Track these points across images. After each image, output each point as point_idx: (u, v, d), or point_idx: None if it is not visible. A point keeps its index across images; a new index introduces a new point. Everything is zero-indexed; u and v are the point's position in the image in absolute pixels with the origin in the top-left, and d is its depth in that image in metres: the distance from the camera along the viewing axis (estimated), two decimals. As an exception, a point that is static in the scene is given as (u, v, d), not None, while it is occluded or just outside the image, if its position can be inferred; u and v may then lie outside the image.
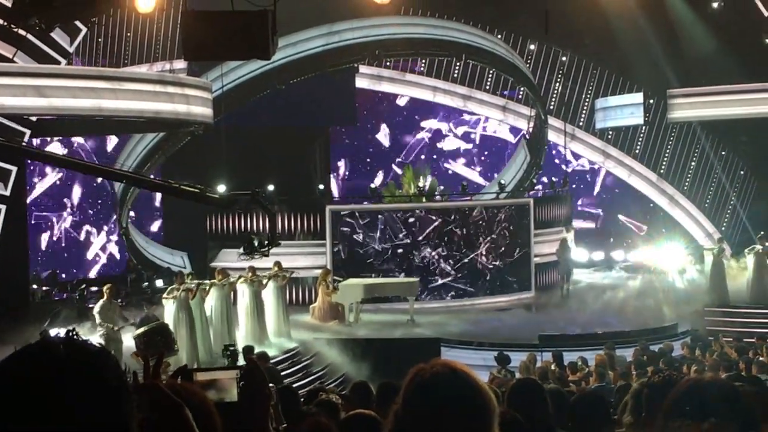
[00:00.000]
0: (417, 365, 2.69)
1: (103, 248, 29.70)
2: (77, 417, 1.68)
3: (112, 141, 29.13)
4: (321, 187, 27.37)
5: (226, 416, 2.34)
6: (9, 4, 16.17)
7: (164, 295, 18.63)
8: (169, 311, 18.20)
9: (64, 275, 27.26)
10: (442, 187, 28.98)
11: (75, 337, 1.81)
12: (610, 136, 32.46)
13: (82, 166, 19.94)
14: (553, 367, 15.87)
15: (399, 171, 31.60)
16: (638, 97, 30.67)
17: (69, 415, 1.67)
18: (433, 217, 24.86)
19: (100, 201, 29.67)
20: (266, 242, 16.40)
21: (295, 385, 14.88)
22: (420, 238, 24.69)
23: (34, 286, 24.30)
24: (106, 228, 29.58)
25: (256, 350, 16.42)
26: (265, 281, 20.25)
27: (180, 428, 2.05)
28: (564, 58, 31.91)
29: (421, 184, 26.27)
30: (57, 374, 1.70)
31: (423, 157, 33.97)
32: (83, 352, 1.76)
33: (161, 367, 2.37)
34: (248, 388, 2.63)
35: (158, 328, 16.74)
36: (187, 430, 2.06)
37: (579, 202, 33.46)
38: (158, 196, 29.46)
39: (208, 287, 19.08)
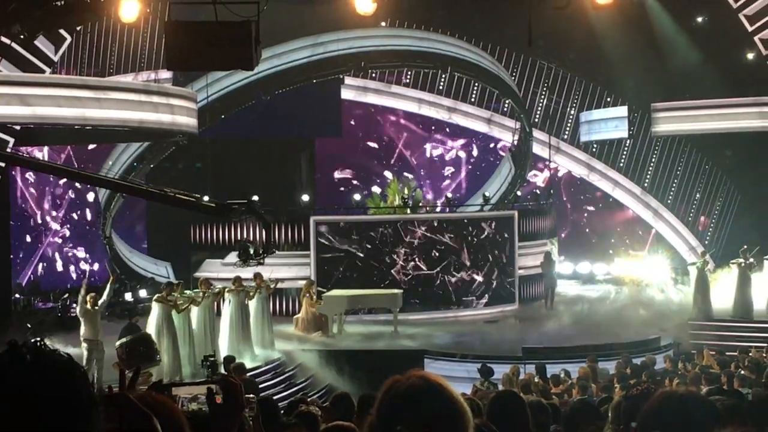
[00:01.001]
0: (393, 377, 2.68)
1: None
2: (42, 424, 1.66)
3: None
4: (305, 198, 27.34)
5: (198, 428, 2.32)
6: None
7: (154, 298, 18.39)
8: (152, 321, 18.06)
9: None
10: (428, 197, 28.98)
11: (42, 345, 1.79)
12: (594, 149, 32.56)
13: (73, 174, 19.84)
14: (536, 379, 15.86)
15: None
16: (623, 111, 30.79)
17: (34, 423, 1.66)
18: (417, 229, 24.85)
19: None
20: (261, 250, 16.41)
21: (277, 396, 14.85)
22: (404, 249, 24.68)
23: (17, 296, 24.18)
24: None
25: (236, 361, 16.36)
26: (252, 293, 20.14)
27: None
28: (549, 72, 32.02)
29: (406, 195, 26.24)
30: (22, 381, 1.68)
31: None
32: (50, 360, 1.74)
33: (144, 378, 2.36)
34: (225, 402, 2.61)
35: (140, 338, 16.65)
36: None
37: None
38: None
39: (200, 299, 18.85)
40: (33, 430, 1.65)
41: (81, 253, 29.49)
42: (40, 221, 28.74)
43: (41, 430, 1.65)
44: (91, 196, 28.83)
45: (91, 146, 28.22)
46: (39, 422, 1.66)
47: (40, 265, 28.52)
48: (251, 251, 15.93)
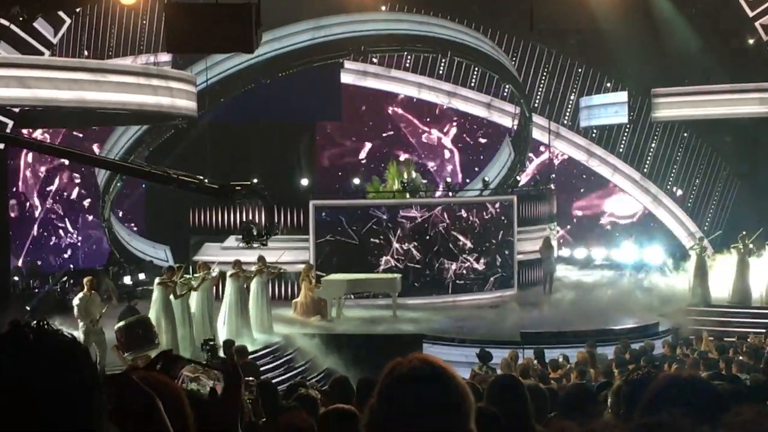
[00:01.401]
0: (394, 359, 2.67)
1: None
2: (46, 405, 1.66)
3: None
4: (304, 182, 27.30)
5: (198, 409, 2.31)
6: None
7: (156, 282, 18.41)
8: (153, 305, 18.09)
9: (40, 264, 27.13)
10: (425, 181, 28.84)
11: (45, 326, 1.78)
12: (594, 135, 32.53)
13: (75, 155, 19.74)
14: (535, 363, 15.88)
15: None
16: (623, 96, 30.75)
17: (37, 404, 1.65)
18: (416, 213, 24.83)
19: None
20: (264, 232, 16.39)
21: (276, 380, 14.85)
22: (404, 233, 24.67)
23: (15, 278, 24.18)
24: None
25: (236, 344, 16.37)
26: (252, 276, 20.15)
27: (151, 419, 2.03)
28: (549, 57, 31.96)
29: (405, 180, 26.17)
30: (25, 362, 1.67)
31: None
32: (53, 340, 1.73)
33: (143, 361, 2.35)
34: (226, 391, 2.60)
35: (139, 321, 16.66)
36: (158, 421, 2.04)
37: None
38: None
39: (197, 284, 18.89)
40: (37, 411, 1.64)
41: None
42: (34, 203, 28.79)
43: (45, 411, 1.65)
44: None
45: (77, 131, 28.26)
46: (43, 403, 1.65)
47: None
48: (254, 232, 15.92)
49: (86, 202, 30.07)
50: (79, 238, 29.91)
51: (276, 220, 19.36)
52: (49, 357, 1.70)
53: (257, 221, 21.57)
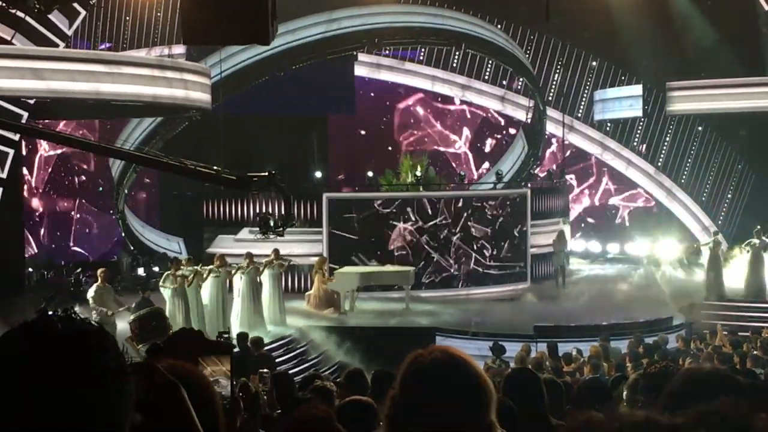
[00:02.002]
0: (415, 351, 2.68)
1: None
2: (74, 394, 1.66)
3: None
4: (318, 174, 27.30)
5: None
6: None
7: (161, 283, 18.60)
8: (165, 297, 18.21)
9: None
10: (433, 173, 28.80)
11: (73, 315, 1.79)
12: (608, 128, 32.43)
13: (91, 146, 19.80)
14: (547, 357, 15.86)
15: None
16: (637, 89, 30.64)
17: (65, 393, 1.65)
18: (429, 206, 24.82)
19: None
20: (281, 223, 16.40)
21: (289, 372, 14.88)
22: (416, 226, 24.67)
23: (30, 270, 24.28)
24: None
25: (252, 336, 16.44)
26: (261, 268, 20.22)
27: (176, 408, 2.02)
28: (564, 50, 31.86)
29: (419, 173, 26.16)
30: (54, 351, 1.68)
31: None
32: (80, 330, 1.74)
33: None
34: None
35: (153, 313, 16.76)
36: (183, 410, 2.03)
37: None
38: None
39: (205, 274, 19.04)
40: (64, 400, 1.64)
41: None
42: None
43: (73, 400, 1.65)
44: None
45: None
46: (70, 392, 1.65)
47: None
48: (271, 223, 15.93)
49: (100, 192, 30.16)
50: (95, 230, 29.99)
51: (292, 212, 19.36)
52: (78, 346, 1.70)
53: (273, 213, 21.60)
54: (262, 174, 14.58)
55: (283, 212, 19.54)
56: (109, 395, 1.69)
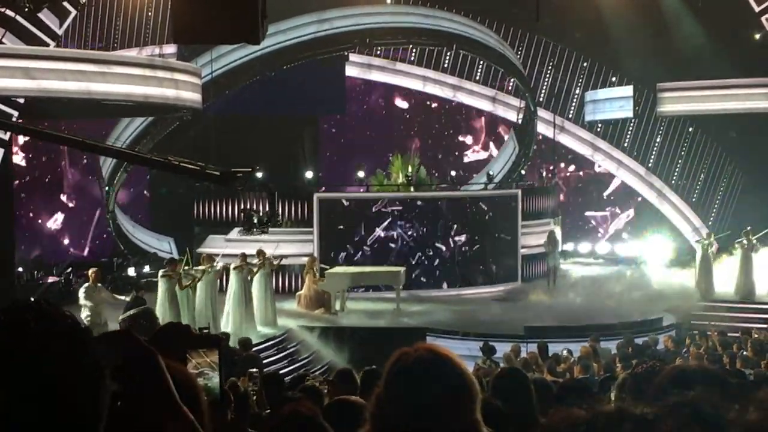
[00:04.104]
0: (400, 349, 2.67)
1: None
2: (46, 390, 1.63)
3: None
4: (309, 174, 27.29)
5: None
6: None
7: (161, 273, 18.50)
8: (158, 296, 18.19)
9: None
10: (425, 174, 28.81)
11: (44, 304, 1.73)
12: (599, 129, 32.47)
13: (77, 143, 19.69)
14: (537, 358, 15.86)
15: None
16: (628, 90, 30.68)
17: (38, 389, 1.62)
18: (419, 206, 24.84)
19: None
20: (266, 220, 16.35)
21: (280, 373, 14.86)
22: (407, 225, 24.68)
23: (20, 269, 24.20)
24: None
25: (240, 336, 16.43)
26: (255, 269, 20.16)
27: (153, 376, 2.00)
28: (555, 50, 31.89)
29: (409, 173, 26.17)
30: (26, 346, 1.64)
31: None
32: (50, 317, 1.69)
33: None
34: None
35: (142, 313, 16.71)
36: (161, 379, 2.00)
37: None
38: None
39: (200, 276, 18.97)
40: (39, 398, 1.61)
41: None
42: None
43: (46, 397, 1.61)
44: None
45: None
46: (45, 388, 1.62)
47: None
48: (255, 221, 15.91)
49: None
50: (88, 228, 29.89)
51: (277, 210, 19.33)
52: (47, 333, 1.66)
53: (258, 210, 21.59)
54: (246, 169, 14.57)
55: (268, 210, 19.51)
56: (85, 392, 1.66)
